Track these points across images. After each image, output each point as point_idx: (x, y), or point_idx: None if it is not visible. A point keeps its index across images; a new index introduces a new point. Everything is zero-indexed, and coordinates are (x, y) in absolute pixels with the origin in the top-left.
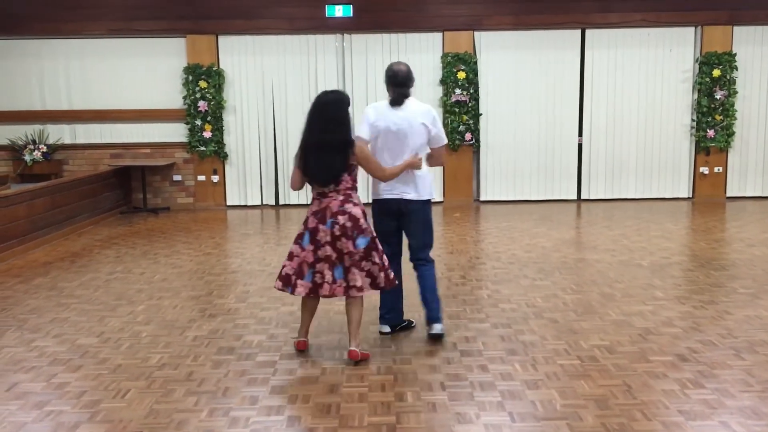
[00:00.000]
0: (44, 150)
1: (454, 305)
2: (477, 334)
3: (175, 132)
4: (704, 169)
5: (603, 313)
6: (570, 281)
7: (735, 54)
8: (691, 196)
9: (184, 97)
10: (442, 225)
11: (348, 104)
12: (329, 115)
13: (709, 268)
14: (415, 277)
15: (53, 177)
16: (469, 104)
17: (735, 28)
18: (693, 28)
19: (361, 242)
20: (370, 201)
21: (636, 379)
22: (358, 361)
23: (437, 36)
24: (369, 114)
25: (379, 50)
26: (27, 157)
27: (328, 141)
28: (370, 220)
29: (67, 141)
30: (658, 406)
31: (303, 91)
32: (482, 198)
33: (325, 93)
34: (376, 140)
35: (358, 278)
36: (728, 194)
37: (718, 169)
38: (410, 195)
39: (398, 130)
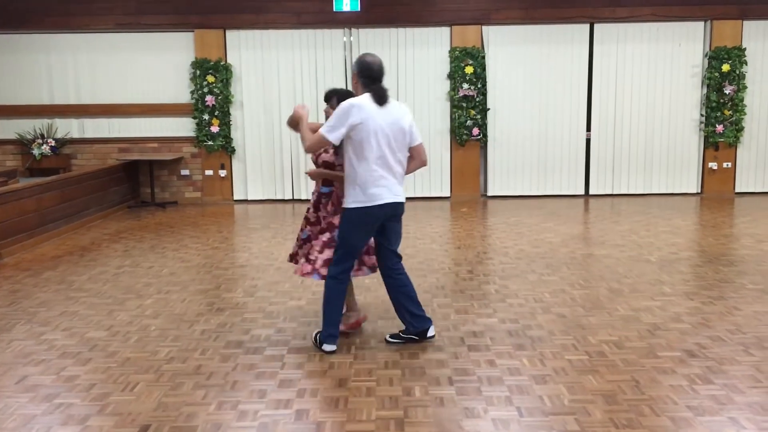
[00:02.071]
0: (53, 144)
1: (461, 300)
2: (484, 329)
3: (183, 126)
4: (713, 165)
5: (611, 308)
6: (578, 276)
7: (745, 49)
8: (699, 191)
9: (192, 92)
10: (449, 220)
11: None
12: None
13: (717, 264)
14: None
15: (62, 171)
16: (477, 99)
17: (745, 22)
18: (702, 23)
19: None
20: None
21: (644, 375)
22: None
23: (445, 30)
24: (352, 114)
25: (387, 44)
26: (35, 152)
27: None
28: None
29: (76, 135)
30: (667, 401)
31: (310, 86)
32: (489, 193)
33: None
34: (368, 141)
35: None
36: (737, 190)
37: (727, 165)
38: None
39: (397, 129)
